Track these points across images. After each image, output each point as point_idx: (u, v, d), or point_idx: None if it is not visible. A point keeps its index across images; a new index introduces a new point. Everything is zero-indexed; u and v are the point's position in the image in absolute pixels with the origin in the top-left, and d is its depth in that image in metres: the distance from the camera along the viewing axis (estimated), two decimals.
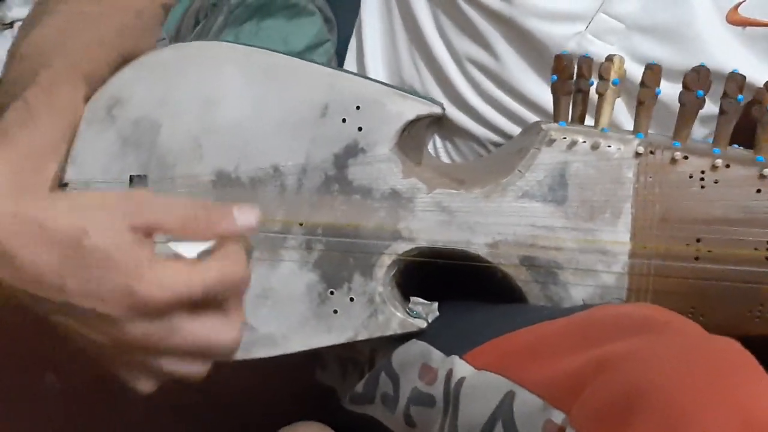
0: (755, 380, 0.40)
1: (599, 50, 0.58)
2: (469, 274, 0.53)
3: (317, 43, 1.07)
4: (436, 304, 0.54)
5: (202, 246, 0.41)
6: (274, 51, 0.53)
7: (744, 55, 0.59)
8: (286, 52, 1.04)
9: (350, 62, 0.72)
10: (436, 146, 0.67)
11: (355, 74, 0.52)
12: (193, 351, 0.41)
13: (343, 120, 0.51)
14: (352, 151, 0.51)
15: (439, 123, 0.66)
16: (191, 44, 0.54)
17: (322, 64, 0.94)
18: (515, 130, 0.61)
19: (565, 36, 0.59)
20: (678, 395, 0.38)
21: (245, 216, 0.42)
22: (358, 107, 0.51)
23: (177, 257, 0.40)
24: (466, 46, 0.62)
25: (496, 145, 0.63)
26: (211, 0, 1.02)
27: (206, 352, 0.41)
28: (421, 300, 0.54)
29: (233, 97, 0.52)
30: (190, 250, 0.41)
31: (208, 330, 0.41)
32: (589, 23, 0.58)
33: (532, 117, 0.60)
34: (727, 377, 0.39)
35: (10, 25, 1.18)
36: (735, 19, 0.58)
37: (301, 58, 1.12)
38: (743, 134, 0.52)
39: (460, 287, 0.55)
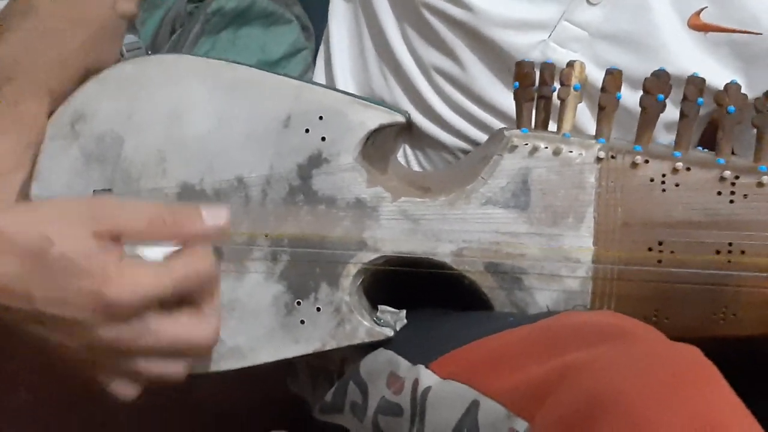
0: (713, 388, 0.40)
1: (563, 58, 0.58)
2: (438, 281, 0.53)
3: (295, 51, 1.07)
4: (404, 312, 0.54)
5: (169, 248, 0.41)
6: (237, 63, 0.53)
7: (706, 61, 0.59)
8: (262, 60, 1.05)
9: (319, 73, 0.72)
10: (407, 155, 0.67)
11: (318, 85, 0.52)
12: (169, 350, 0.41)
13: (306, 130, 0.51)
14: (315, 161, 0.51)
15: (408, 132, 0.66)
16: (153, 57, 0.54)
17: (301, 72, 0.95)
18: (482, 137, 0.61)
19: (528, 44, 0.59)
20: (638, 403, 0.39)
21: (213, 216, 0.42)
22: (320, 117, 0.51)
23: (144, 260, 0.41)
24: (432, 55, 0.62)
25: (465, 152, 0.63)
26: (187, 8, 1.01)
27: (183, 350, 0.41)
28: (389, 308, 0.54)
29: (196, 110, 0.52)
30: (156, 252, 0.41)
31: (181, 328, 0.41)
32: (552, 31, 0.59)
33: (498, 124, 0.61)
34: (686, 385, 0.40)
35: None
36: (697, 25, 0.59)
37: (279, 66, 1.12)
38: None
39: (431, 294, 0.55)
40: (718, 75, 0.59)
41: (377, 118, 0.51)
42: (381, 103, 0.52)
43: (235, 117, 0.52)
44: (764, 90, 0.59)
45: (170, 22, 1.01)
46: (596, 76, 0.55)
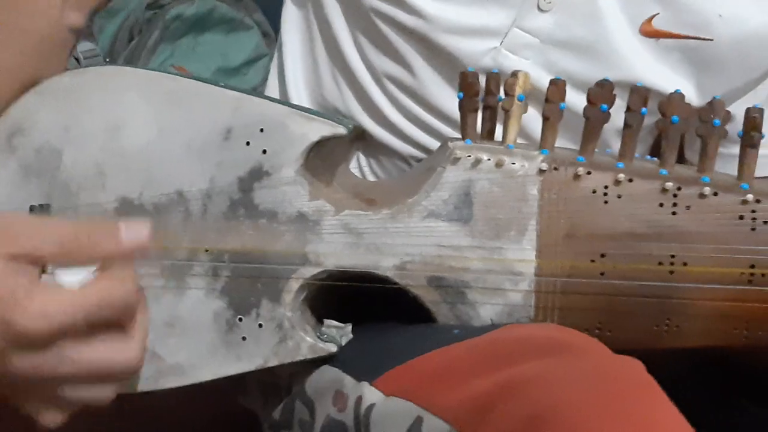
0: (654, 402, 0.40)
1: (515, 65, 0.58)
2: (388, 294, 0.52)
3: (256, 58, 1.06)
4: (349, 327, 0.53)
5: (84, 271, 0.40)
6: (177, 75, 0.52)
7: (658, 67, 0.59)
8: (223, 67, 1.04)
9: (272, 80, 0.71)
10: (361, 164, 0.66)
11: (260, 96, 0.51)
12: (90, 376, 0.40)
13: (247, 143, 0.51)
14: (256, 174, 0.51)
15: (362, 140, 0.66)
16: (91, 69, 0.53)
17: (262, 78, 0.93)
18: (435, 144, 0.60)
19: (479, 51, 0.59)
20: (580, 417, 0.38)
21: (133, 233, 0.40)
22: (261, 130, 0.50)
23: (61, 285, 0.39)
24: (384, 63, 0.62)
25: (419, 160, 0.62)
26: (146, 15, 1.00)
27: (106, 376, 0.40)
28: (335, 323, 0.53)
29: (136, 123, 0.51)
30: (72, 277, 0.40)
31: (102, 354, 0.39)
32: (504, 38, 0.58)
33: (451, 132, 0.60)
34: (627, 399, 0.40)
35: None
36: (648, 32, 0.58)
37: (240, 73, 1.11)
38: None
39: (382, 306, 0.54)
40: (669, 81, 0.58)
41: (319, 130, 0.50)
42: (324, 114, 0.52)
43: (175, 130, 0.51)
44: (715, 95, 0.59)
45: (128, 29, 1.00)
46: (548, 83, 0.55)
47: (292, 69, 0.68)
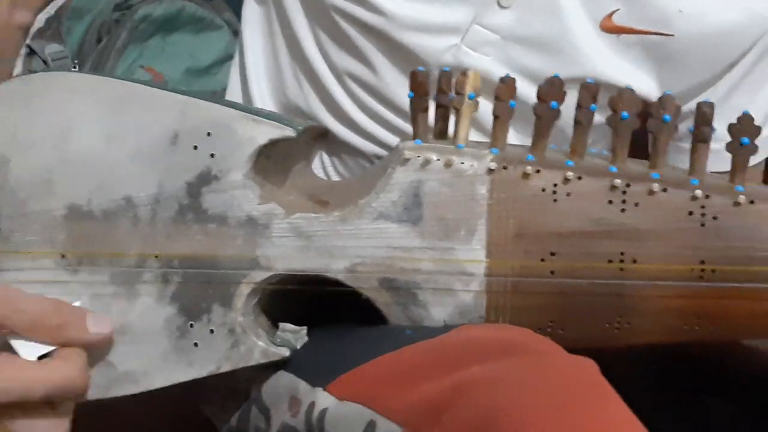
0: (604, 402, 0.40)
1: (475, 62, 0.58)
2: (344, 296, 0.52)
3: (226, 57, 1.05)
4: (304, 330, 0.52)
5: (44, 349, 0.42)
6: (124, 79, 0.52)
7: (619, 63, 0.59)
8: (192, 67, 1.03)
9: (234, 82, 0.71)
10: (324, 163, 0.66)
11: (207, 99, 0.51)
12: None
13: (195, 147, 0.50)
14: (205, 178, 0.50)
15: (325, 139, 0.65)
16: (37, 75, 0.53)
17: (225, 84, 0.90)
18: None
19: (440, 49, 0.58)
20: (527, 419, 0.38)
21: (98, 326, 0.44)
22: (209, 133, 0.50)
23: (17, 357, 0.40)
24: (345, 61, 0.61)
25: (381, 158, 0.62)
26: (113, 16, 0.99)
27: None
28: (290, 326, 0.52)
29: (83, 128, 0.51)
30: (31, 351, 0.41)
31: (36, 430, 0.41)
32: (464, 35, 0.58)
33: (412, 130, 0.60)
34: (576, 400, 0.39)
35: None
36: (609, 27, 0.58)
37: (210, 73, 1.10)
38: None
39: (341, 308, 0.54)
40: (631, 77, 0.58)
41: (267, 133, 0.50)
42: (274, 116, 0.51)
43: (123, 135, 0.51)
44: (677, 91, 0.59)
45: (96, 30, 0.99)
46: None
47: (253, 68, 0.68)
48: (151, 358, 0.50)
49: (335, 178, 0.66)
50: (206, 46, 1.01)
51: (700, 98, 0.59)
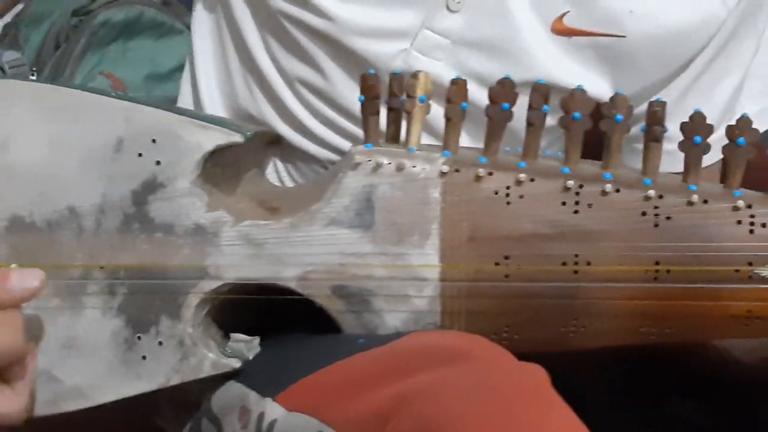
0: (548, 409, 0.39)
1: (426, 67, 0.57)
2: (299, 306, 0.51)
3: None
4: (257, 340, 0.51)
5: None
6: (66, 87, 0.50)
7: (571, 65, 0.58)
8: (153, 73, 1.01)
9: (185, 89, 0.69)
10: (278, 169, 0.65)
11: (152, 105, 0.50)
12: None
13: (140, 154, 0.49)
14: (150, 186, 0.49)
15: (278, 145, 0.64)
16: None
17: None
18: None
19: (389, 54, 0.57)
20: (470, 428, 0.37)
21: (23, 281, 0.41)
22: (154, 140, 0.49)
23: None
24: (295, 67, 0.60)
25: (335, 164, 0.61)
26: (72, 22, 0.97)
27: None
28: (242, 336, 0.51)
29: (24, 137, 0.49)
30: None
31: None
32: (414, 40, 0.57)
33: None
34: (518, 408, 0.39)
35: None
36: (560, 30, 0.58)
37: (172, 78, 1.09)
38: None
39: (299, 317, 0.53)
40: (583, 79, 0.57)
41: (214, 138, 0.49)
42: (221, 121, 0.50)
43: (65, 143, 0.49)
44: (631, 92, 0.59)
45: (55, 36, 0.97)
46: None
47: (204, 75, 0.66)
48: (99, 372, 0.49)
49: (290, 184, 0.65)
50: (167, 51, 1.00)
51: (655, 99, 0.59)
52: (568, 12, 0.57)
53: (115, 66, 0.97)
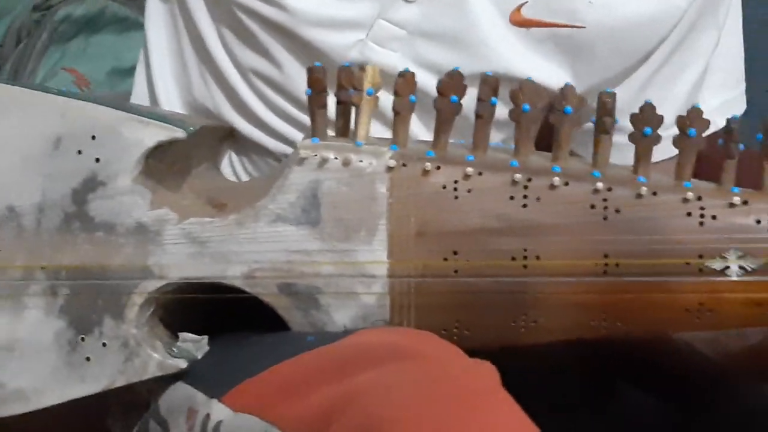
0: (495, 407, 0.39)
1: (382, 58, 0.56)
2: (246, 304, 0.50)
3: None
4: (205, 339, 0.50)
5: None
6: (2, 83, 0.49)
7: (530, 57, 0.57)
8: (116, 68, 1.00)
9: (140, 83, 0.68)
10: (233, 162, 0.64)
11: (91, 100, 0.48)
12: None
13: (79, 152, 0.48)
14: (90, 184, 0.48)
15: (232, 138, 0.63)
16: None
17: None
18: None
19: (345, 45, 0.57)
20: (412, 427, 0.37)
21: None
22: (93, 137, 0.48)
23: None
24: (249, 58, 0.59)
25: None
26: (33, 17, 0.96)
27: None
28: (190, 336, 0.50)
29: None
30: None
31: None
32: (370, 31, 0.56)
33: None
34: (462, 406, 0.38)
35: None
36: (519, 21, 0.57)
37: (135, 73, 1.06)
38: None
39: (250, 316, 0.52)
40: (543, 71, 0.57)
41: (155, 135, 0.48)
42: (162, 116, 0.49)
43: (2, 141, 0.48)
44: (591, 84, 0.58)
45: (15, 32, 0.95)
46: (419, 76, 0.53)
47: (159, 69, 0.65)
48: (42, 374, 0.48)
49: (245, 178, 0.64)
50: (131, 46, 0.98)
51: (617, 91, 0.59)
52: (526, 2, 0.56)
53: (77, 61, 0.96)
